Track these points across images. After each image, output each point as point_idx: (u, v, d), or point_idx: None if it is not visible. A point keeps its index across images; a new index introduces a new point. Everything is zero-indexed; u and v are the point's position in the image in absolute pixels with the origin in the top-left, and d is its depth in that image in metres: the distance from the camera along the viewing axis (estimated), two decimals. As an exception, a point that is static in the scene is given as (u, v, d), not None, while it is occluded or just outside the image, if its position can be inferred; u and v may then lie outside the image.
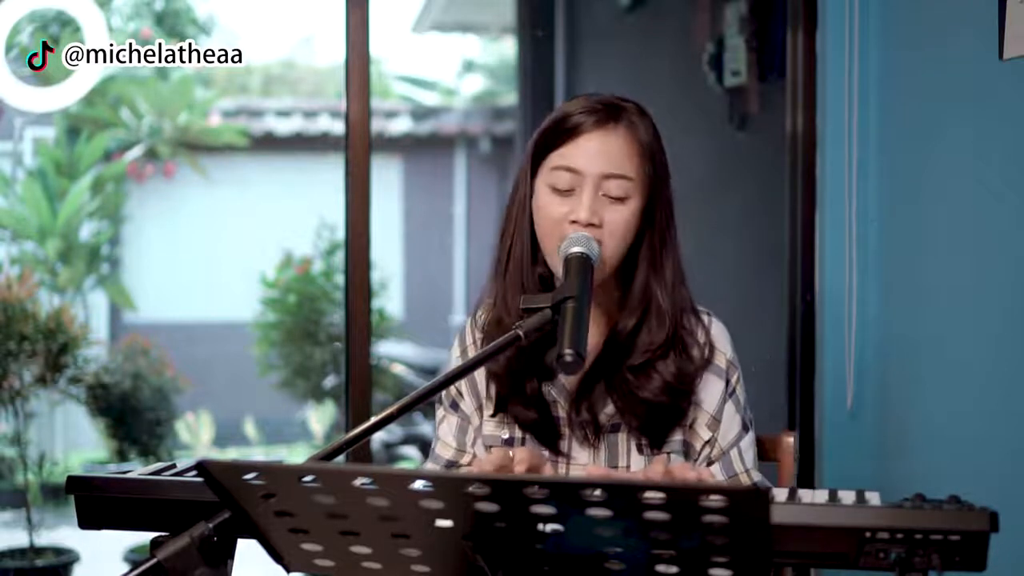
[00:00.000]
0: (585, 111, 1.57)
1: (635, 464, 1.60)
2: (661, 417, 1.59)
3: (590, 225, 1.52)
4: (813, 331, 2.71)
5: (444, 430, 1.70)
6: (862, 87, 2.57)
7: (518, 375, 1.61)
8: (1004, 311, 2.11)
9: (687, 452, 1.62)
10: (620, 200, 1.54)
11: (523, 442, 1.63)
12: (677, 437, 1.61)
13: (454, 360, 1.73)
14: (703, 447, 1.62)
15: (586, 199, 1.53)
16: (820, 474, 2.66)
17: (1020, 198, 2.07)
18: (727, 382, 1.63)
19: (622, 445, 1.60)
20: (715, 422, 1.62)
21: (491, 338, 1.61)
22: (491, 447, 1.64)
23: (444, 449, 1.69)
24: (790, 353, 2.77)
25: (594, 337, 1.61)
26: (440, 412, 1.71)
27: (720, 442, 1.62)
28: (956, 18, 2.28)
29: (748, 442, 1.64)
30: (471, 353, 1.70)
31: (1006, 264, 2.11)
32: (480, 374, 1.67)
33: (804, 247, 2.72)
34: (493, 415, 1.65)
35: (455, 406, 1.69)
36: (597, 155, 1.54)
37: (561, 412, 1.62)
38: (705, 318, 1.65)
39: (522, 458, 1.46)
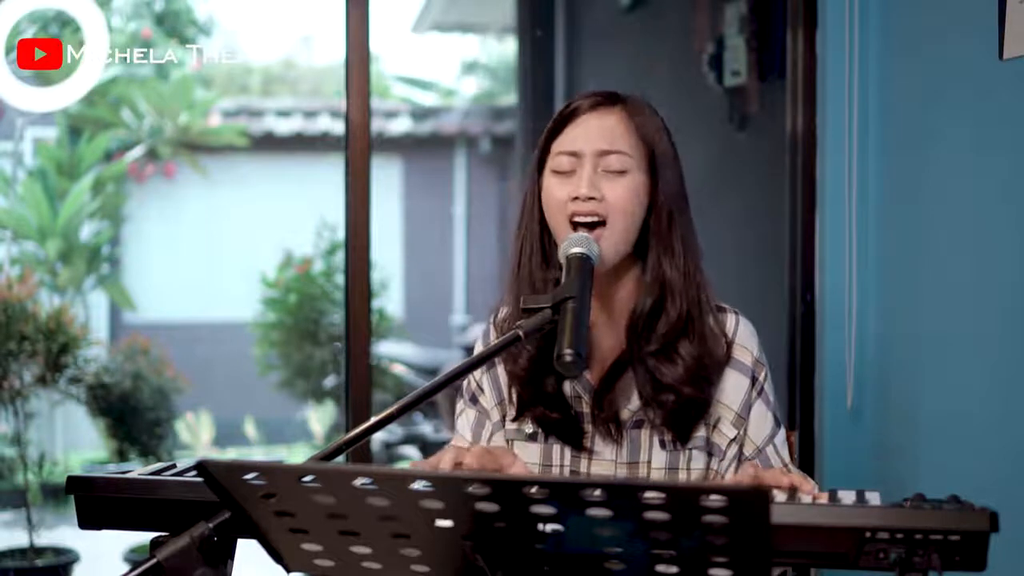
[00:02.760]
0: (584, 98, 1.62)
1: (656, 460, 1.61)
2: (685, 409, 1.59)
3: (591, 199, 1.54)
4: (813, 331, 2.71)
5: (462, 423, 1.72)
6: (862, 87, 2.57)
7: (538, 376, 1.61)
8: (1004, 311, 2.11)
9: (711, 451, 1.62)
10: (620, 173, 1.57)
11: (546, 437, 1.64)
12: (700, 434, 1.61)
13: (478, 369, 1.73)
14: (729, 445, 1.62)
15: (585, 174, 1.56)
16: (820, 474, 2.66)
17: (1020, 198, 2.07)
18: (754, 380, 1.63)
19: (644, 441, 1.61)
20: (740, 419, 1.62)
21: None
22: (514, 440, 1.65)
23: (460, 442, 1.71)
24: (790, 353, 2.77)
25: (618, 332, 1.62)
26: (460, 406, 1.73)
27: (755, 440, 1.62)
28: (956, 18, 2.28)
29: (781, 439, 1.65)
30: None
31: (1006, 264, 2.11)
32: (502, 372, 1.68)
33: (804, 247, 2.72)
34: (515, 419, 1.66)
35: (474, 400, 1.71)
36: (593, 133, 1.58)
37: (585, 408, 1.63)
38: (731, 316, 1.65)
39: (470, 463, 1.46)
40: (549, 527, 1.05)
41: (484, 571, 1.10)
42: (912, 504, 1.16)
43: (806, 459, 2.68)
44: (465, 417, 1.71)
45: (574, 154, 1.57)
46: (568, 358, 1.33)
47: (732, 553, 1.01)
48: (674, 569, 1.04)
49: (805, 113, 2.73)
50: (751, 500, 0.97)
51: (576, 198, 1.55)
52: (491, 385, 1.70)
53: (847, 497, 1.29)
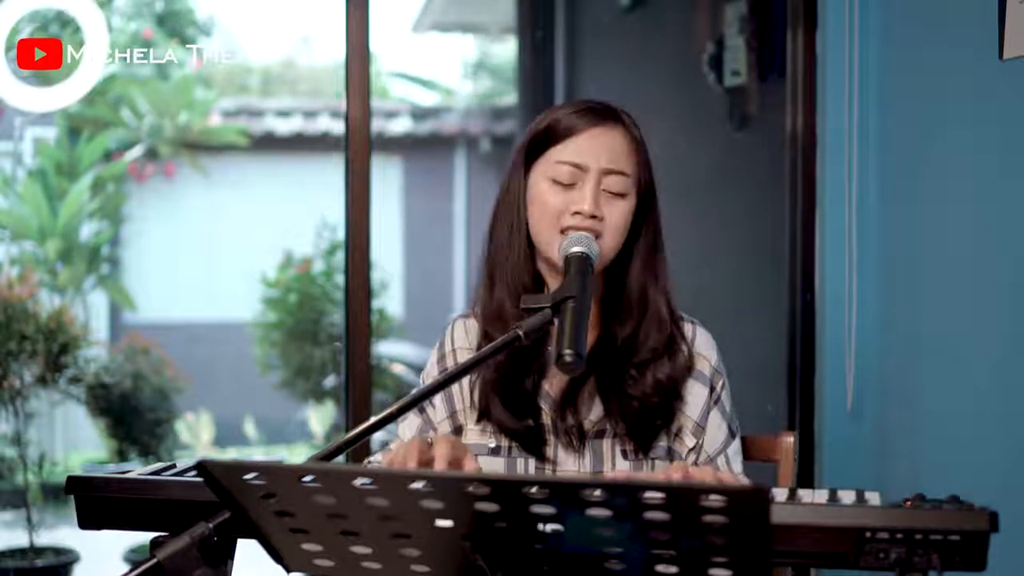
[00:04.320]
0: (579, 112, 1.59)
1: (619, 469, 1.60)
2: (649, 420, 1.59)
3: (592, 217, 1.54)
4: (813, 331, 2.71)
5: (403, 428, 1.69)
6: (862, 87, 2.57)
7: (511, 380, 1.60)
8: (1004, 311, 2.11)
9: (672, 459, 1.62)
10: (619, 196, 1.57)
11: (509, 451, 1.62)
12: (662, 443, 1.61)
13: (431, 364, 1.72)
14: (689, 453, 1.62)
15: (589, 191, 1.55)
16: (820, 474, 2.66)
17: (1020, 198, 2.07)
18: (712, 389, 1.64)
19: (607, 451, 1.60)
20: (699, 429, 1.62)
21: (492, 339, 1.61)
22: (477, 455, 1.64)
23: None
24: (790, 353, 2.77)
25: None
26: None
27: (707, 449, 1.63)
28: (956, 18, 2.28)
29: (735, 449, 1.65)
30: (451, 358, 1.70)
31: (1006, 264, 2.11)
32: (457, 385, 1.66)
33: (804, 247, 2.72)
34: (477, 422, 1.64)
35: (421, 409, 1.68)
36: (600, 150, 1.56)
37: (546, 419, 1.61)
38: (688, 326, 1.66)
39: (443, 453, 1.44)
40: (549, 527, 1.05)
41: (484, 571, 1.10)
42: (912, 504, 1.16)
43: (806, 459, 2.68)
44: (408, 423, 1.68)
45: (578, 167, 1.56)
46: (568, 358, 1.33)
47: (732, 553, 1.01)
48: (674, 569, 1.04)
49: (805, 113, 2.73)
50: (751, 500, 0.97)
51: (577, 213, 1.54)
52: (443, 398, 1.67)
53: (847, 497, 1.29)
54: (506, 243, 1.63)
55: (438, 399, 1.67)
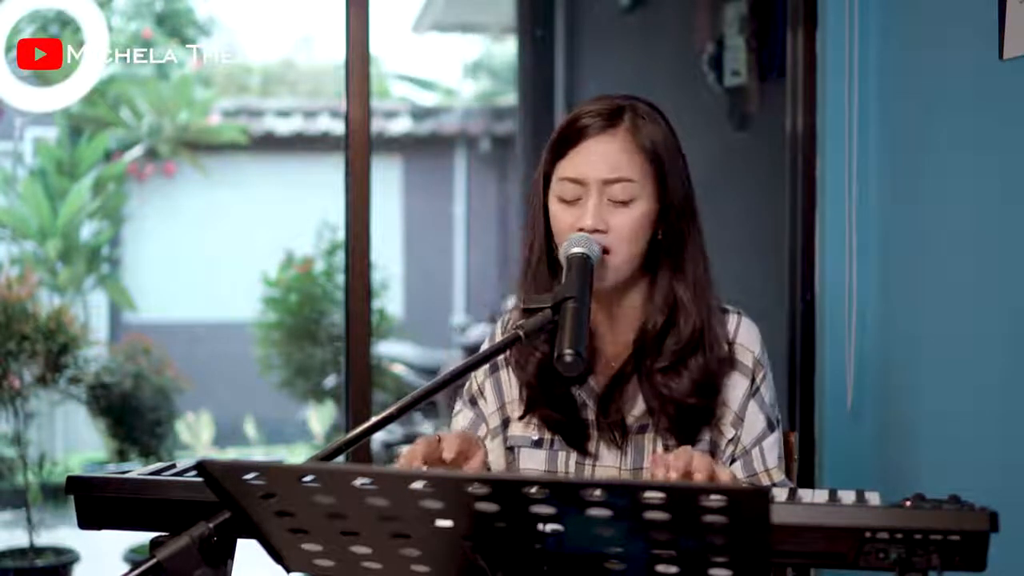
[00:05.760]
0: (590, 115, 1.58)
1: None
2: (691, 418, 1.59)
3: (596, 231, 1.53)
4: (813, 331, 2.71)
5: (457, 422, 1.72)
6: (862, 87, 2.57)
7: (547, 378, 1.61)
8: (1004, 311, 2.11)
9: (714, 451, 1.62)
10: (625, 203, 1.55)
11: (552, 444, 1.63)
12: (705, 436, 1.61)
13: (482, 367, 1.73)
14: (727, 445, 1.62)
15: (591, 206, 1.54)
16: (820, 474, 2.66)
17: (1020, 198, 2.07)
18: (752, 380, 1.63)
19: (648, 445, 1.61)
20: (739, 420, 1.62)
21: None
22: (519, 447, 1.65)
23: None
24: (790, 353, 2.77)
25: (624, 338, 1.62)
26: (458, 405, 1.73)
27: (743, 440, 1.62)
28: (956, 18, 2.28)
29: (772, 441, 1.64)
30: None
31: (1006, 264, 2.11)
32: (507, 377, 1.68)
33: (804, 247, 2.72)
34: (522, 417, 1.66)
35: (473, 402, 1.71)
36: (597, 162, 1.55)
37: (590, 414, 1.63)
38: (733, 317, 1.66)
39: (450, 446, 1.47)
40: (549, 527, 1.05)
41: (484, 571, 1.10)
42: (912, 504, 1.16)
43: (806, 459, 2.68)
44: (462, 417, 1.72)
45: (578, 182, 1.55)
46: (568, 358, 1.34)
47: (732, 553, 1.01)
48: (674, 569, 1.04)
49: (805, 113, 2.72)
50: (751, 500, 0.97)
51: (581, 229, 1.53)
52: (493, 389, 1.69)
53: (847, 497, 1.30)
54: (532, 247, 1.64)
55: (489, 391, 1.69)
